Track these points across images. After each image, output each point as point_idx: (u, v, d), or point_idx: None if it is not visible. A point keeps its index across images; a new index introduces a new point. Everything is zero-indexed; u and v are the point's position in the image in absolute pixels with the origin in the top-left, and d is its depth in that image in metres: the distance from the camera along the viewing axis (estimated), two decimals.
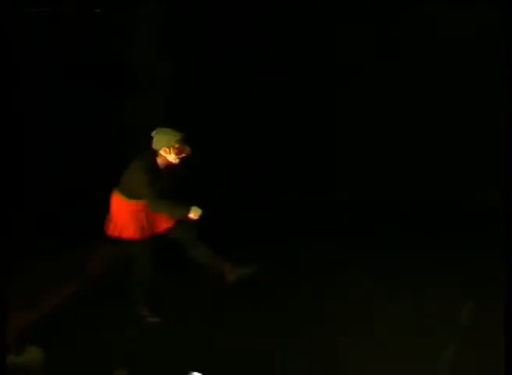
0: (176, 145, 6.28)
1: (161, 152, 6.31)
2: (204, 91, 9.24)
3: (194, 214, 6.20)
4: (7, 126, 8.16)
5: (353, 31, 9.07)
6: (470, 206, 8.62)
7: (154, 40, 9.05)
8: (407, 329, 6.38)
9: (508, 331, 4.69)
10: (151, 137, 6.33)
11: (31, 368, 5.19)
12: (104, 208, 6.55)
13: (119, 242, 6.55)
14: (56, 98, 8.46)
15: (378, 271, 7.36)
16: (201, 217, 6.25)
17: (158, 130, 6.34)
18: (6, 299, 5.10)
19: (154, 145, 6.31)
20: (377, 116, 9.20)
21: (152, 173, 6.26)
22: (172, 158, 6.31)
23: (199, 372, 5.20)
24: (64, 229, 7.96)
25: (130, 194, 6.38)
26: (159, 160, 6.34)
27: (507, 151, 5.77)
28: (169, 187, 6.45)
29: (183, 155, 6.33)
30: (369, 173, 9.19)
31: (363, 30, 9.05)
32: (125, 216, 6.43)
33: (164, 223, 6.54)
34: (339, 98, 9.23)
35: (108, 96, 8.61)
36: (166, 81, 9.08)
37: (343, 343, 6.15)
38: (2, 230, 6.52)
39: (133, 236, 6.43)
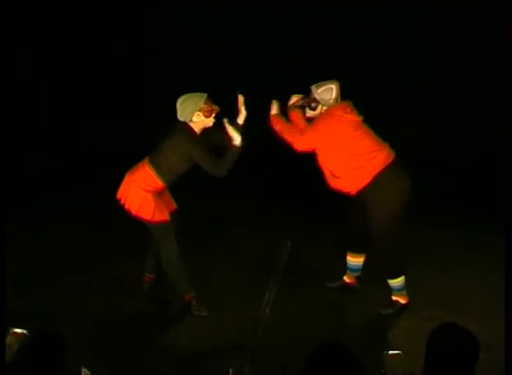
0: (206, 105, 5.95)
1: (195, 118, 5.95)
2: None
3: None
4: None
5: None
6: None
7: None
8: None
9: (508, 330, 4.68)
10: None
11: None
12: None
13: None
14: None
15: None
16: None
17: (182, 97, 5.97)
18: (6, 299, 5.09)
19: (183, 115, 5.95)
20: None
21: (199, 142, 5.95)
22: (208, 120, 5.97)
23: None
24: None
25: (165, 172, 6.04)
26: (195, 127, 5.99)
27: (507, 150, 5.78)
28: None
29: (215, 113, 6.00)
30: None
31: None
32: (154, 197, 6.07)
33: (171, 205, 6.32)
34: None
35: None
36: None
37: None
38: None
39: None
